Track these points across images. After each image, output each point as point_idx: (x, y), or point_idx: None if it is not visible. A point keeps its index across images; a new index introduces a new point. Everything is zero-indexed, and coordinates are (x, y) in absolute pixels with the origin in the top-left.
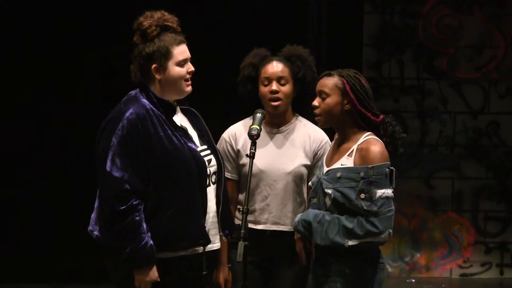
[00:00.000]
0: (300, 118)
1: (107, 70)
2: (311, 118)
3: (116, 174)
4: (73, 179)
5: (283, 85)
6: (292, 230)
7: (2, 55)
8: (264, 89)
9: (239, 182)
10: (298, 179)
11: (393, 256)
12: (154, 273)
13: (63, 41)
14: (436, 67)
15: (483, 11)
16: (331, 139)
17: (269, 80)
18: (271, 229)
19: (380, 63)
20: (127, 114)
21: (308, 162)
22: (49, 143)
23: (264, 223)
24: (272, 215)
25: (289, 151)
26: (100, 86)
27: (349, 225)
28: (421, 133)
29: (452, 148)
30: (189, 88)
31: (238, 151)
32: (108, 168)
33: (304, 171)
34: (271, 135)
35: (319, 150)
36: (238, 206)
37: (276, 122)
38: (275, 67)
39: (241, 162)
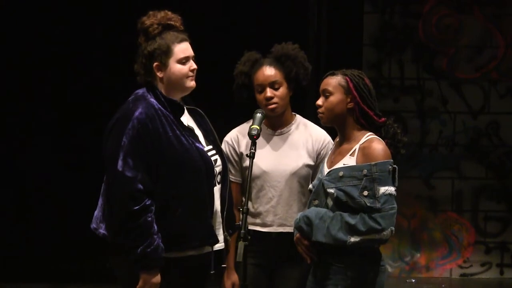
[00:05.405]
0: (300, 118)
1: (113, 68)
2: (311, 115)
3: (129, 174)
4: (73, 179)
5: (277, 89)
6: None
7: (2, 54)
8: (259, 97)
9: (243, 185)
10: (302, 180)
11: (393, 256)
12: (159, 276)
13: (64, 41)
14: (436, 67)
15: (483, 11)
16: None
17: (262, 86)
18: (278, 231)
19: (380, 63)
20: (137, 113)
21: (311, 162)
22: (49, 142)
23: (270, 225)
24: (278, 216)
25: (292, 152)
26: (106, 84)
27: (352, 221)
28: (421, 133)
29: (452, 148)
30: (192, 83)
31: (241, 153)
32: (120, 168)
33: (308, 171)
34: (273, 136)
35: (322, 150)
36: (238, 207)
37: (277, 124)
38: (266, 72)
39: (244, 164)
